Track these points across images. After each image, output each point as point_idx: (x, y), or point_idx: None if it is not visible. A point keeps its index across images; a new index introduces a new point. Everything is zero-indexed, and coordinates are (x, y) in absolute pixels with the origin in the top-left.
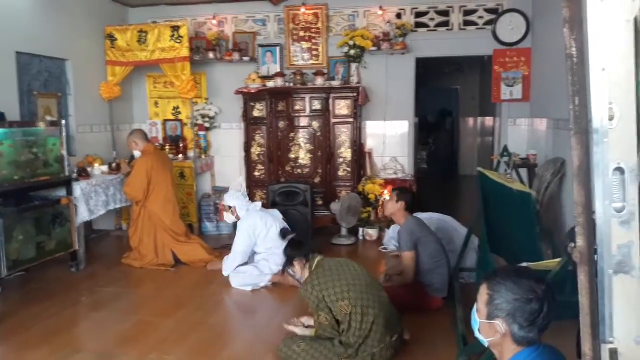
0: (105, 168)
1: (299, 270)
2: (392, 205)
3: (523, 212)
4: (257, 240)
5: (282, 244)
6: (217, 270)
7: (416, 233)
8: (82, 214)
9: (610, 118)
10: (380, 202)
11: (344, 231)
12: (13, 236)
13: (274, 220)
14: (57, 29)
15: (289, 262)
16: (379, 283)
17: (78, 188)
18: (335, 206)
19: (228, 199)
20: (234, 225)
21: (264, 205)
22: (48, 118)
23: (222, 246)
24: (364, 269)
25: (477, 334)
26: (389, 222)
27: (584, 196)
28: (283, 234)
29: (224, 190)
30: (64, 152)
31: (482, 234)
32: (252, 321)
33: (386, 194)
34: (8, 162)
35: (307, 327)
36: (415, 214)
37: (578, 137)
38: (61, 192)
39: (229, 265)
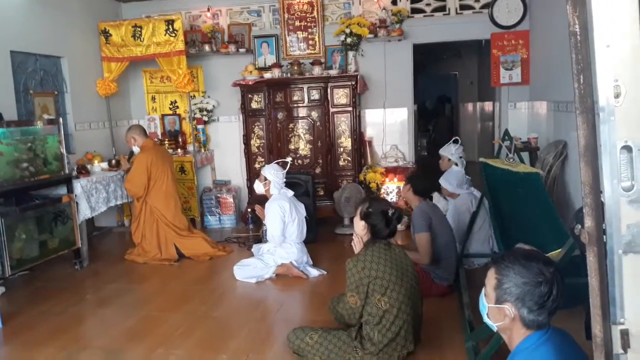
0: (105, 165)
1: (361, 231)
2: (404, 191)
3: (535, 193)
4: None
5: (292, 243)
6: (221, 263)
7: (429, 215)
8: (84, 212)
9: (616, 96)
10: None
11: (346, 221)
12: (16, 235)
13: (299, 216)
14: (51, 26)
15: (367, 216)
16: (417, 281)
17: (79, 186)
18: (337, 195)
19: (267, 171)
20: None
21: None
22: (46, 117)
23: (225, 239)
24: (413, 267)
25: (485, 319)
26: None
27: (591, 176)
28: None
29: (225, 183)
30: (63, 150)
31: (495, 227)
32: (258, 314)
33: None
34: (7, 162)
35: None
36: None
37: (584, 116)
38: (62, 191)
39: (274, 239)
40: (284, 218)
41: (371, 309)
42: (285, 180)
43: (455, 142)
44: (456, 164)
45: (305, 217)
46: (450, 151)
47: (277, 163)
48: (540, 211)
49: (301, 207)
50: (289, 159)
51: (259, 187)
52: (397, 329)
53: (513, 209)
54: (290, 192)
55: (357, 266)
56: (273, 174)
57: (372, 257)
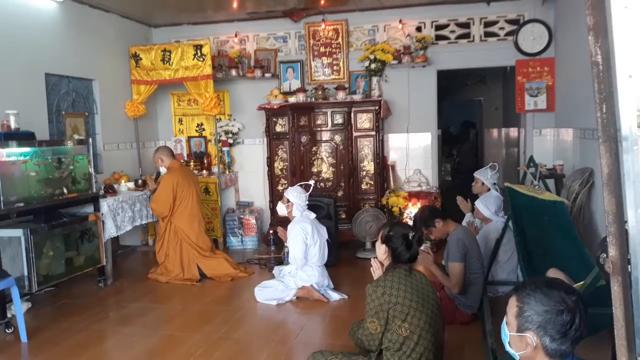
0: (131, 185)
1: (382, 255)
2: (437, 232)
3: (560, 222)
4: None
5: (313, 265)
6: (243, 285)
7: (465, 243)
8: (110, 230)
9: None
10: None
11: (368, 245)
12: (43, 252)
13: (320, 239)
14: (84, 50)
15: (388, 239)
16: (439, 307)
17: (105, 205)
18: (354, 220)
19: (290, 194)
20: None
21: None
22: (76, 137)
23: (247, 260)
24: (435, 294)
25: (507, 348)
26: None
27: (615, 205)
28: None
29: (249, 205)
30: (92, 170)
31: (519, 254)
32: (278, 336)
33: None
34: (38, 180)
35: None
36: None
37: (607, 145)
38: (89, 209)
39: (296, 260)
40: (306, 240)
41: (391, 335)
42: (307, 202)
43: (492, 167)
44: (488, 189)
45: (327, 240)
46: (486, 175)
47: (300, 186)
48: (565, 240)
49: (323, 230)
50: (311, 182)
51: (281, 209)
52: (417, 356)
53: (537, 236)
54: (313, 215)
55: (377, 292)
56: (296, 196)
57: (392, 282)
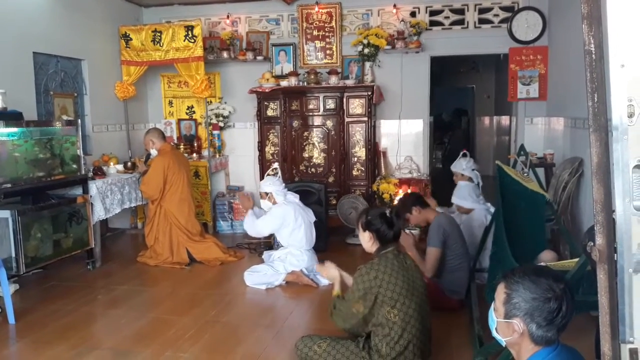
0: (120, 167)
1: (367, 242)
2: (415, 219)
3: (535, 212)
4: (282, 229)
5: (302, 250)
6: (232, 269)
7: (446, 229)
8: (98, 213)
9: (630, 115)
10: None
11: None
12: (31, 234)
13: (306, 220)
14: (73, 29)
15: (368, 224)
16: (426, 294)
17: (94, 187)
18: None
19: (265, 186)
20: None
21: None
22: (64, 118)
23: (237, 245)
24: (423, 280)
25: (494, 334)
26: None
27: (603, 194)
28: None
29: (239, 189)
30: (80, 152)
31: (500, 228)
32: (267, 320)
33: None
34: (26, 161)
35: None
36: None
37: (597, 135)
38: (77, 191)
39: (253, 225)
40: (284, 221)
41: (379, 320)
42: (294, 187)
43: (464, 155)
44: (471, 179)
45: (316, 222)
46: (461, 166)
47: (268, 174)
48: (532, 230)
49: (309, 212)
50: (275, 164)
51: (266, 205)
52: (405, 342)
53: (512, 220)
54: (296, 197)
55: (369, 274)
56: (269, 184)
57: (385, 267)
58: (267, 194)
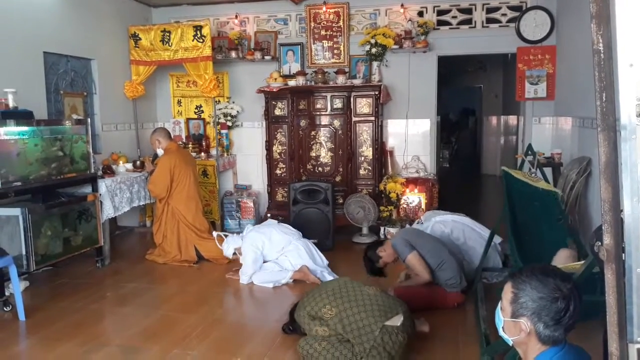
0: (129, 166)
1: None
2: (386, 255)
3: (551, 212)
4: (263, 249)
5: (291, 238)
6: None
7: (405, 238)
8: (107, 211)
9: (639, 114)
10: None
11: (365, 230)
12: (41, 232)
13: (270, 226)
14: (83, 29)
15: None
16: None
17: (103, 185)
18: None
19: (228, 251)
20: (256, 223)
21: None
22: (74, 117)
23: None
24: (355, 283)
25: (501, 333)
26: (411, 221)
27: (611, 194)
28: None
29: (247, 188)
30: (90, 150)
31: (509, 235)
32: (274, 318)
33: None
34: (36, 159)
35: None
36: (432, 211)
37: (605, 134)
38: (87, 189)
39: (244, 273)
40: (256, 243)
41: (334, 324)
42: (301, 187)
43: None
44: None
45: (322, 221)
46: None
47: (224, 241)
48: (552, 230)
49: (267, 221)
50: (215, 233)
51: (243, 253)
52: (354, 317)
53: (527, 222)
54: (250, 226)
55: (299, 314)
56: (231, 244)
57: (305, 295)
58: (234, 253)
